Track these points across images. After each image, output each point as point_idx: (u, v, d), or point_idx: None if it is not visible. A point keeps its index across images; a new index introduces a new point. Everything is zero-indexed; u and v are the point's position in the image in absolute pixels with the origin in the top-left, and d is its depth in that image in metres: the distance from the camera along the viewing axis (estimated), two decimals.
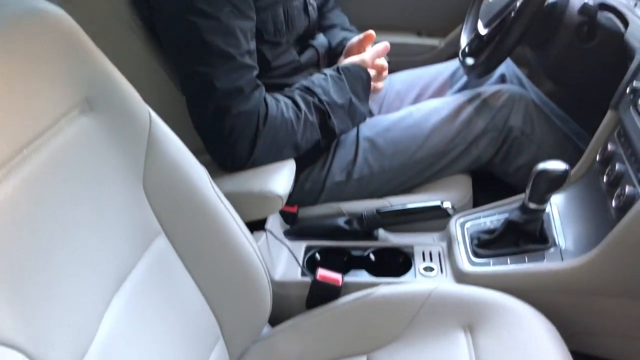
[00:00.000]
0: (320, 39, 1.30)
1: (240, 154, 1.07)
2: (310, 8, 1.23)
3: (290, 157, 1.12)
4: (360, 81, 1.20)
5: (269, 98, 1.08)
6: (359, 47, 1.29)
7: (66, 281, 0.59)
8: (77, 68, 0.67)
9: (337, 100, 1.15)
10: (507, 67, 1.39)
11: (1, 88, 0.57)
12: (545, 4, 1.07)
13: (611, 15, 1.13)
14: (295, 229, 1.21)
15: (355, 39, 1.32)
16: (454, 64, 1.45)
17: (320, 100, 1.14)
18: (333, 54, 1.35)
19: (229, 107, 1.03)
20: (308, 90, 1.15)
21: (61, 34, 0.66)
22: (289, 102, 1.12)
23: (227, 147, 1.06)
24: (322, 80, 1.17)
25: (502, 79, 1.40)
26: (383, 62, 1.27)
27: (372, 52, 1.24)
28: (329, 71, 1.20)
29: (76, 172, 0.65)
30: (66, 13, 0.69)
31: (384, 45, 1.25)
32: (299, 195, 1.21)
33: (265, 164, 1.09)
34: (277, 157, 1.10)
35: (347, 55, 1.32)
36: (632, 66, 1.02)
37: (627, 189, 0.89)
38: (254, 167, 1.08)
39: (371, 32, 1.29)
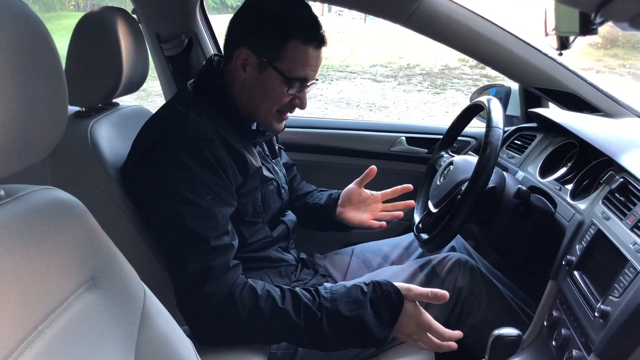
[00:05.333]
0: (290, 215, 1.43)
1: (207, 331, 1.10)
2: (282, 191, 1.37)
3: (262, 343, 1.14)
4: (388, 303, 1.11)
5: (248, 284, 1.11)
6: (359, 189, 1.45)
7: None
8: (88, 250, 0.75)
9: (344, 312, 1.08)
10: (456, 240, 1.54)
11: (25, 268, 0.64)
12: (486, 188, 1.25)
13: (542, 197, 1.32)
14: None
15: (353, 183, 1.46)
16: (409, 236, 1.59)
17: (319, 305, 1.09)
18: (327, 211, 1.48)
19: (196, 288, 1.08)
20: (314, 291, 1.12)
21: (76, 219, 0.75)
22: (275, 292, 1.10)
23: (194, 325, 1.11)
24: (340, 287, 1.14)
25: (452, 250, 1.54)
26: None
27: (423, 289, 1.13)
28: (360, 282, 1.14)
29: (78, 345, 0.70)
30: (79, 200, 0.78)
31: (436, 292, 1.11)
32: None
33: (237, 343, 1.12)
34: (246, 340, 1.12)
35: (345, 202, 1.46)
36: (564, 241, 1.18)
37: (575, 352, 0.99)
38: (227, 343, 1.12)
39: (373, 167, 1.43)
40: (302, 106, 1.27)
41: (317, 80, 1.28)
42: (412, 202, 1.48)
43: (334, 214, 1.48)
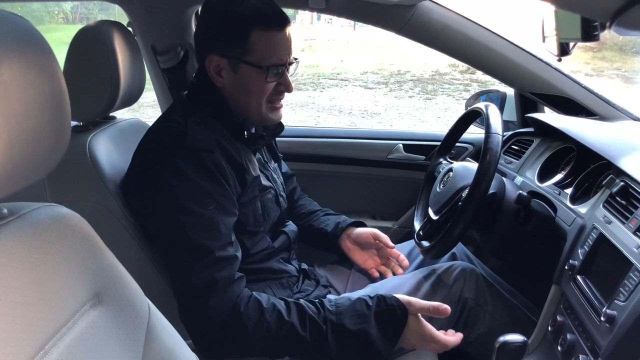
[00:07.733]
0: (291, 226, 1.42)
1: (212, 345, 1.09)
2: (281, 199, 1.37)
3: (267, 357, 1.13)
4: (391, 317, 1.12)
5: (253, 297, 1.11)
6: (372, 239, 1.44)
7: None
8: (91, 266, 0.74)
9: (348, 326, 1.09)
10: (456, 246, 1.54)
11: (30, 286, 0.63)
12: (487, 194, 1.24)
13: (542, 202, 1.32)
14: None
15: (370, 230, 1.45)
16: (410, 244, 1.59)
17: (324, 318, 1.09)
18: (333, 239, 1.47)
19: (200, 301, 1.07)
20: (318, 304, 1.12)
21: (79, 236, 0.74)
22: (281, 305, 1.10)
23: (199, 339, 1.10)
24: (345, 300, 1.14)
25: (453, 257, 1.54)
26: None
27: (425, 303, 1.15)
28: (365, 295, 1.16)
29: None
30: (80, 216, 0.77)
31: (437, 306, 1.14)
32: None
33: (242, 356, 1.11)
34: (251, 353, 1.11)
35: (355, 241, 1.44)
36: (566, 246, 1.18)
37: (581, 357, 0.98)
38: (232, 357, 1.11)
39: (390, 244, 1.42)
40: (289, 89, 1.25)
41: (297, 59, 1.26)
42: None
43: (340, 243, 1.47)
